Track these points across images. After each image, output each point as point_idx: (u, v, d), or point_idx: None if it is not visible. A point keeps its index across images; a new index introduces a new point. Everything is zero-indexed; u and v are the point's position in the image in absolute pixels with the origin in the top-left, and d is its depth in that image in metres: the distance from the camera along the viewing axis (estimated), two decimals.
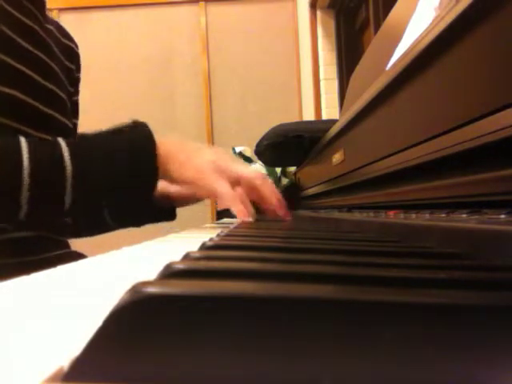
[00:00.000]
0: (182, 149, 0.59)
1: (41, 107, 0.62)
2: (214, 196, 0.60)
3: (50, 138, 0.65)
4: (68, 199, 0.51)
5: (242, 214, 0.59)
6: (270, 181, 0.64)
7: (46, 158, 0.51)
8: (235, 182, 0.61)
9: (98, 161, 0.53)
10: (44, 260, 0.62)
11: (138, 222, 0.78)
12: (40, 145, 0.52)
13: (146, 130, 0.56)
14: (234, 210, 0.59)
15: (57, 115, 0.67)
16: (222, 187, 0.58)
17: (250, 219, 0.60)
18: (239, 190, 0.61)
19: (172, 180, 0.60)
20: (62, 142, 0.53)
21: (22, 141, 0.51)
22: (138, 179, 0.55)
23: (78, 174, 0.51)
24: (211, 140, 2.87)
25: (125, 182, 0.54)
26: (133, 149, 0.54)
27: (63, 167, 0.51)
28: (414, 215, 0.38)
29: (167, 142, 0.57)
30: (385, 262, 0.21)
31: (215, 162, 0.59)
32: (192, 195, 0.74)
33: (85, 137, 0.56)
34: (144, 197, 0.57)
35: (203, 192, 0.61)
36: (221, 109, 2.90)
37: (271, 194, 0.62)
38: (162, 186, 0.66)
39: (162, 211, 0.76)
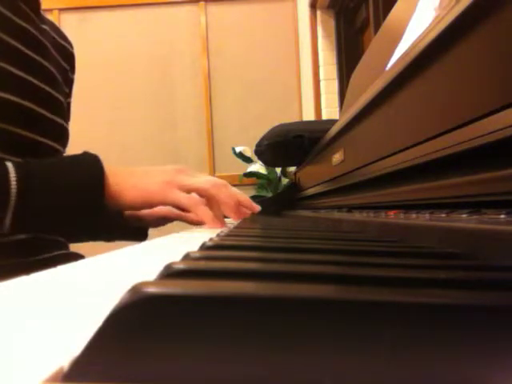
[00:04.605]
0: (131, 174, 0.58)
1: (36, 109, 0.62)
2: (176, 207, 0.58)
3: (47, 141, 0.65)
4: (8, 220, 0.50)
5: (206, 216, 0.57)
6: (225, 186, 0.61)
7: None
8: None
9: (45, 185, 0.52)
10: (42, 261, 0.62)
11: (105, 238, 0.80)
12: None
13: (96, 160, 0.55)
14: (197, 213, 0.57)
15: (53, 116, 0.66)
16: (179, 196, 0.57)
17: (219, 224, 0.58)
18: (197, 197, 0.59)
19: (125, 205, 0.58)
20: (10, 166, 0.51)
21: None
22: (85, 202, 0.53)
23: (21, 198, 0.49)
24: (211, 140, 2.87)
25: (71, 205, 0.52)
26: (81, 176, 0.53)
27: (8, 190, 0.49)
28: (414, 215, 0.38)
29: (115, 169, 0.56)
30: (385, 262, 0.21)
31: (167, 181, 0.57)
32: (162, 216, 0.77)
33: (33, 164, 0.54)
34: (91, 213, 0.54)
35: (166, 208, 0.61)
36: (221, 109, 2.90)
37: (227, 200, 0.60)
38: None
39: (133, 231, 0.79)
